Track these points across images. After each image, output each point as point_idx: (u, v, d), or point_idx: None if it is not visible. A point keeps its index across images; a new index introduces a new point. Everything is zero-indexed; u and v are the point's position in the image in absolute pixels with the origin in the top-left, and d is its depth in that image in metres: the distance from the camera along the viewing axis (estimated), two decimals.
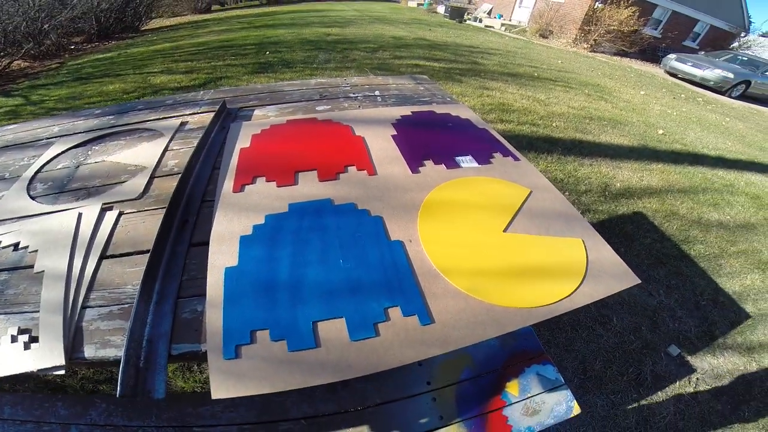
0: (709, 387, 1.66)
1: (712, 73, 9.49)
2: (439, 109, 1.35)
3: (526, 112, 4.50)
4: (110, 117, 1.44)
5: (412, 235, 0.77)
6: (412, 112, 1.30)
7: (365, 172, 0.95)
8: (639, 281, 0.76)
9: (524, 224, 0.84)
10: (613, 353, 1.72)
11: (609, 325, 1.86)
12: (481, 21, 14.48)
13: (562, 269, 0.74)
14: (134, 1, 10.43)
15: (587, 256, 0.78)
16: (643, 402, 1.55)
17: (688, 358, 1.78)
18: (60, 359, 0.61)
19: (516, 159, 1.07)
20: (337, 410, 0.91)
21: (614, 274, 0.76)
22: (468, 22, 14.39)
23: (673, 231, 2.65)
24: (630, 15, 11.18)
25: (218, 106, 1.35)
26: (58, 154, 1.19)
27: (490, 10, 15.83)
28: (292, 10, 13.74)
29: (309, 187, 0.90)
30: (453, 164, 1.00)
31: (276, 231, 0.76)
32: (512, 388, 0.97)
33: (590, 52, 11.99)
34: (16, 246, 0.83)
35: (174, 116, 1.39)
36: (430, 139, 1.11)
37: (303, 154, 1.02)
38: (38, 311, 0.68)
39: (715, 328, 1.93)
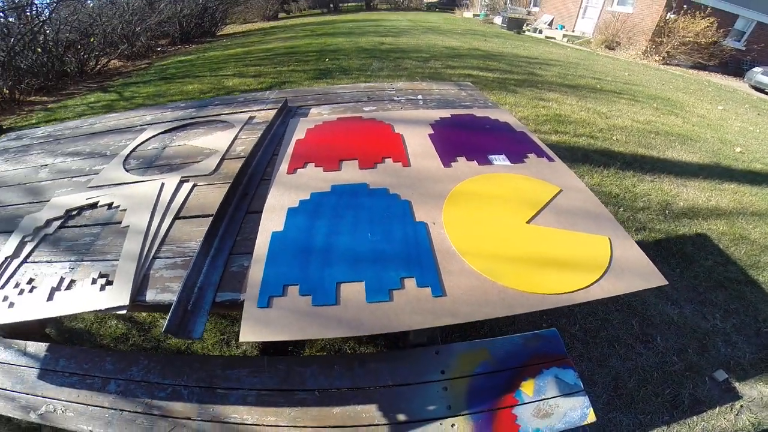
0: (752, 416, 1.50)
1: None
2: (479, 113, 1.40)
3: (584, 124, 4.30)
4: (192, 110, 1.69)
5: (436, 219, 0.84)
6: (451, 114, 1.38)
7: (400, 163, 1.04)
8: (665, 282, 0.74)
9: (549, 219, 0.87)
10: (650, 373, 1.61)
11: (651, 344, 1.74)
12: (541, 32, 14.01)
13: (582, 262, 0.76)
14: (211, 8, 11.59)
15: (612, 253, 0.79)
16: (674, 425, 1.44)
17: (736, 384, 1.61)
18: (126, 299, 0.72)
19: (551, 160, 1.09)
20: (351, 386, 0.95)
21: (638, 273, 0.75)
22: (527, 33, 14.00)
23: (741, 255, 2.39)
24: (707, 26, 10.18)
25: (281, 104, 1.52)
26: (149, 138, 1.43)
27: (551, 21, 15.24)
28: (350, 19, 14.38)
29: (350, 173, 1.01)
30: (485, 161, 1.06)
31: (318, 206, 0.88)
32: (527, 388, 0.95)
33: (662, 64, 11.05)
34: (110, 206, 1.02)
35: (244, 111, 1.59)
36: (466, 139, 1.18)
37: (347, 145, 1.14)
38: (118, 259, 0.82)
39: None
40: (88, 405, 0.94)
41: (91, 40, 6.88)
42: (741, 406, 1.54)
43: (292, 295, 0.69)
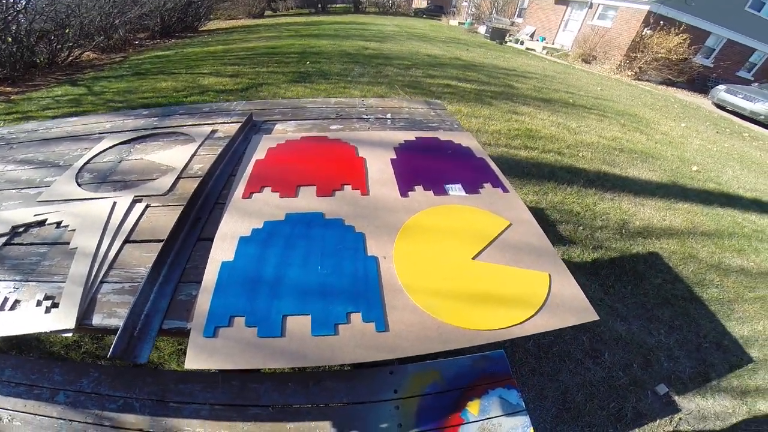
0: (690, 427, 1.61)
1: (763, 107, 8.75)
2: (444, 136, 1.44)
3: (553, 139, 4.47)
4: (154, 119, 1.65)
5: (387, 253, 0.87)
6: (416, 137, 1.41)
7: (359, 191, 1.06)
8: (597, 317, 0.80)
9: (494, 254, 0.91)
10: (597, 387, 1.70)
11: (600, 359, 1.84)
12: (522, 43, 14.42)
13: (519, 298, 0.81)
14: (196, 3, 11.28)
15: (549, 289, 0.84)
16: None
17: (676, 397, 1.73)
18: (71, 323, 0.72)
19: (505, 191, 1.14)
20: (305, 403, 0.95)
21: (573, 309, 0.81)
22: (509, 43, 14.38)
23: (688, 273, 2.56)
24: (680, 42, 10.71)
25: (245, 118, 1.51)
26: (106, 149, 1.39)
27: (533, 33, 15.73)
28: (337, 21, 14.34)
29: (306, 201, 1.02)
30: (441, 191, 1.09)
31: (270, 235, 0.89)
32: (473, 408, 0.99)
33: (634, 79, 11.60)
34: (58, 224, 0.99)
35: (207, 123, 1.57)
36: (425, 166, 1.21)
37: (307, 169, 1.15)
38: (65, 281, 0.81)
39: (711, 371, 1.87)
40: (36, 415, 0.92)
41: (66, 31, 6.55)
42: (680, 418, 1.65)
43: (238, 326, 0.70)
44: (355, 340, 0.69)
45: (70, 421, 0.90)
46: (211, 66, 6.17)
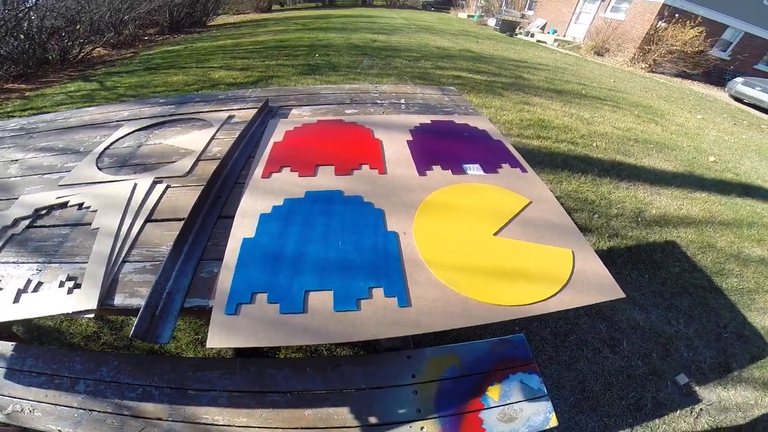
0: (710, 419, 1.57)
1: None
2: (459, 120, 1.42)
3: (566, 129, 4.39)
4: (171, 106, 1.66)
5: (407, 228, 0.86)
6: (431, 120, 1.39)
7: (377, 171, 1.06)
8: (623, 295, 0.77)
9: (516, 231, 0.89)
10: (616, 376, 1.68)
11: (618, 348, 1.81)
12: (533, 36, 14.17)
13: (544, 275, 0.79)
14: None
15: (573, 266, 0.82)
16: (638, 428, 1.50)
17: (696, 388, 1.69)
18: (93, 303, 0.72)
19: (524, 171, 1.12)
20: (323, 389, 0.96)
21: (598, 286, 0.78)
22: (519, 36, 14.14)
23: (707, 263, 2.50)
24: (696, 36, 10.43)
25: (261, 104, 1.51)
26: (125, 135, 1.40)
27: (544, 25, 15.44)
28: (345, 14, 14.27)
29: (326, 180, 1.02)
30: (459, 170, 1.08)
31: (291, 212, 0.89)
32: (493, 393, 0.98)
33: (648, 72, 11.32)
34: (80, 206, 1.00)
35: (223, 110, 1.57)
36: (443, 146, 1.20)
37: (325, 150, 1.15)
38: (86, 262, 0.81)
39: (732, 361, 1.82)
40: (57, 405, 0.93)
41: (77, 27, 6.64)
42: (700, 409, 1.61)
43: (260, 303, 0.70)
44: (377, 316, 0.68)
45: (90, 410, 0.92)
46: (221, 60, 6.20)
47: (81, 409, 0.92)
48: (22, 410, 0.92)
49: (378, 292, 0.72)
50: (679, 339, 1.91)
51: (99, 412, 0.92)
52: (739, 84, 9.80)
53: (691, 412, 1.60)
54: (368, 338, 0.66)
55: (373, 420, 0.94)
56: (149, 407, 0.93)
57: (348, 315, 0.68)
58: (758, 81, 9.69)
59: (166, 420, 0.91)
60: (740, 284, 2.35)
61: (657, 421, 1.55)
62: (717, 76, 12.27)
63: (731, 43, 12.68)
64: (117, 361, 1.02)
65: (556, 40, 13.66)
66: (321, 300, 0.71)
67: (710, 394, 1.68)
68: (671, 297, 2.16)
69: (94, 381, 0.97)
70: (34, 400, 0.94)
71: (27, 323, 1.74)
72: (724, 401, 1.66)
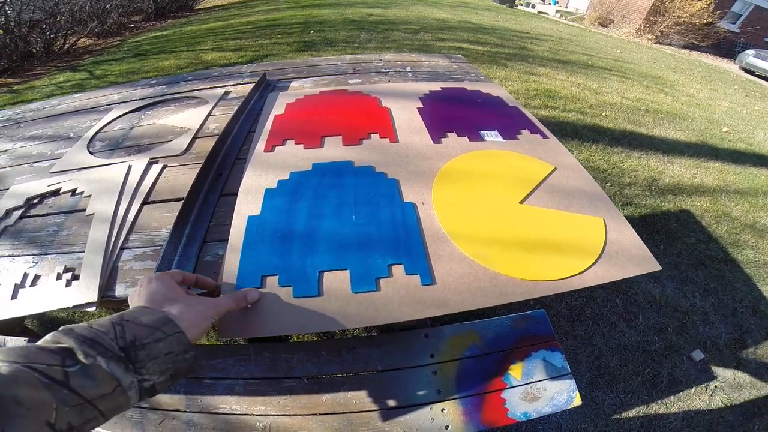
0: (725, 396, 1.55)
1: None
2: (470, 87, 1.33)
3: (574, 99, 4.25)
4: (163, 86, 1.57)
5: (425, 199, 0.79)
6: (441, 87, 1.30)
7: (387, 139, 0.98)
8: (659, 267, 0.71)
9: (543, 198, 0.82)
10: (632, 352, 1.64)
11: (634, 322, 1.77)
12: (533, 6, 13.70)
13: (577, 246, 0.72)
14: None
15: (606, 236, 0.75)
16: (653, 405, 1.48)
17: (712, 364, 1.67)
18: (94, 295, 0.67)
19: (544, 137, 1.04)
20: (339, 372, 0.92)
21: (633, 258, 0.72)
22: (519, 7, 13.66)
23: (722, 233, 2.43)
24: (704, 8, 10.08)
25: (258, 78, 1.42)
26: (116, 118, 1.32)
27: None
28: None
29: (333, 151, 0.94)
30: (477, 137, 1.00)
31: (298, 186, 0.81)
32: (515, 371, 0.93)
33: (655, 43, 10.96)
34: (73, 192, 0.94)
35: (219, 86, 1.48)
36: (456, 113, 1.11)
37: (330, 120, 1.07)
38: (83, 251, 0.76)
39: (748, 337, 1.79)
40: None
41: (58, 18, 6.42)
42: (715, 386, 1.59)
43: (272, 287, 0.64)
44: (399, 296, 0.62)
45: None
46: (212, 42, 5.99)
47: None
48: None
49: (398, 270, 0.66)
50: (695, 313, 1.87)
51: None
52: (750, 56, 9.62)
53: (706, 390, 1.57)
54: (392, 321, 0.60)
55: (391, 403, 0.89)
56: (166, 398, 0.89)
57: (368, 296, 0.62)
58: None
59: (185, 411, 0.87)
60: (756, 256, 2.29)
61: (672, 398, 1.52)
62: (727, 49, 11.95)
63: (740, 15, 12.31)
64: None
65: (558, 11, 13.20)
66: (337, 280, 0.64)
67: (725, 371, 1.65)
68: (687, 269, 2.11)
69: None
70: None
71: (41, 315, 1.71)
72: (740, 379, 1.63)
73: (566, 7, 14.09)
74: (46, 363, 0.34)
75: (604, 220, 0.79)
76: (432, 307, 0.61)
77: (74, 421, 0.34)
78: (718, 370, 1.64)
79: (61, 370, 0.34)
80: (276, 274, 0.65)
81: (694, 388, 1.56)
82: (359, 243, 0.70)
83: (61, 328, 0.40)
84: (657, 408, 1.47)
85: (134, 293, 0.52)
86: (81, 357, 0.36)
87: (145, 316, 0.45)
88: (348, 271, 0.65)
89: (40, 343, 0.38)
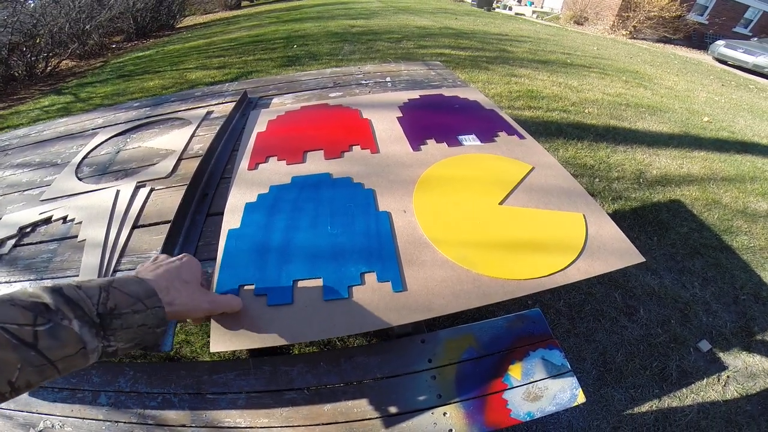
0: (739, 386, 1.54)
1: (766, 60, 8.79)
2: (448, 92, 1.36)
3: (556, 98, 4.34)
4: (147, 108, 1.58)
5: (406, 206, 0.81)
6: (420, 95, 1.33)
7: (368, 150, 1.00)
8: (643, 259, 0.73)
9: (522, 198, 0.85)
10: (637, 346, 1.64)
11: (635, 316, 1.78)
12: (510, 9, 13.98)
13: (558, 243, 0.74)
14: (167, 0, 10.92)
15: (587, 231, 0.77)
16: (665, 398, 1.46)
17: (720, 354, 1.66)
18: None
19: (522, 137, 1.07)
20: (339, 382, 0.92)
21: (616, 251, 0.74)
22: (497, 10, 13.93)
23: (714, 221, 2.47)
24: (671, 1, 10.41)
25: (240, 96, 1.44)
26: (102, 143, 1.33)
27: None
28: (318, 3, 13.87)
29: (315, 165, 0.96)
30: (455, 142, 1.03)
31: (277, 200, 0.83)
32: (515, 372, 0.92)
33: (629, 38, 11.24)
34: (64, 219, 0.95)
35: (201, 106, 1.49)
36: (435, 120, 1.14)
37: (312, 135, 1.09)
38: (78, 275, 0.78)
39: (753, 324, 1.79)
40: (83, 419, 0.90)
41: (37, 41, 6.40)
42: (728, 376, 1.57)
43: (248, 296, 0.65)
44: (374, 303, 0.63)
45: (116, 422, 0.88)
46: (195, 60, 6.02)
47: (107, 421, 0.89)
48: (53, 426, 0.89)
49: (371, 277, 0.67)
50: (696, 303, 1.87)
51: (125, 423, 0.88)
52: (721, 47, 9.98)
53: (719, 380, 1.55)
54: (369, 329, 0.61)
55: (393, 409, 0.90)
56: (171, 415, 0.89)
57: (340, 303, 0.63)
58: (739, 43, 9.94)
59: (190, 426, 0.87)
60: (750, 242, 2.32)
61: (684, 390, 1.51)
62: (698, 40, 12.34)
63: (707, 7, 12.73)
64: (132, 371, 0.99)
65: (534, 12, 13.48)
66: (310, 289, 0.66)
67: (735, 360, 1.64)
68: (683, 259, 2.13)
69: (114, 392, 0.94)
70: (61, 416, 0.91)
71: None
72: (751, 367, 1.61)
73: (542, 7, 14.42)
74: (18, 323, 0.34)
75: (584, 215, 0.81)
76: (417, 312, 0.62)
77: (33, 380, 0.35)
78: (728, 360, 1.63)
79: (31, 331, 0.34)
80: (252, 284, 0.67)
81: (705, 379, 1.55)
82: (333, 252, 0.71)
83: (49, 285, 0.40)
84: (670, 401, 1.46)
85: (168, 261, 0.57)
86: (57, 317, 0.37)
87: (133, 285, 0.46)
88: (321, 278, 0.67)
89: (18, 294, 0.38)
